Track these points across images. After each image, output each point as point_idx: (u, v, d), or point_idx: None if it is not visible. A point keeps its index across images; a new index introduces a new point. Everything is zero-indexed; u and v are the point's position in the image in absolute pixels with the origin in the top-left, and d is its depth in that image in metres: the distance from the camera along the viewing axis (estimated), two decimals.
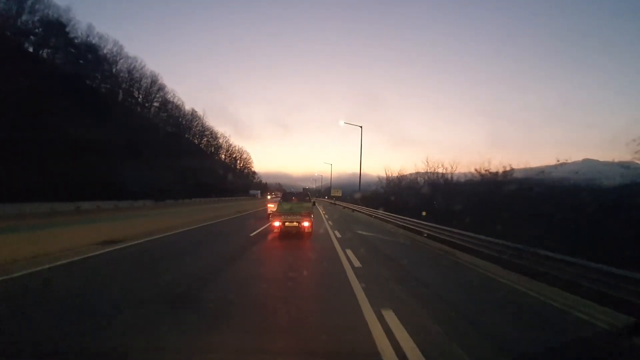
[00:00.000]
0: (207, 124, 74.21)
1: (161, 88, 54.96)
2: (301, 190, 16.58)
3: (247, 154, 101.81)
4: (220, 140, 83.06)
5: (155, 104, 55.66)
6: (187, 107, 65.20)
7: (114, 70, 45.32)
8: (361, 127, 29.66)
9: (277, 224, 11.37)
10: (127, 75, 47.94)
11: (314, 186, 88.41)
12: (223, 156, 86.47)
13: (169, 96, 57.89)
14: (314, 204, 13.37)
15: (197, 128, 70.30)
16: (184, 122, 64.35)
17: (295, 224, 11.28)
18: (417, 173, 29.69)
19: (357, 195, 33.34)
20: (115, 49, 44.56)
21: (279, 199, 14.57)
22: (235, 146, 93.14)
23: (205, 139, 75.00)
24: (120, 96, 46.64)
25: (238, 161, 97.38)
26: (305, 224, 11.19)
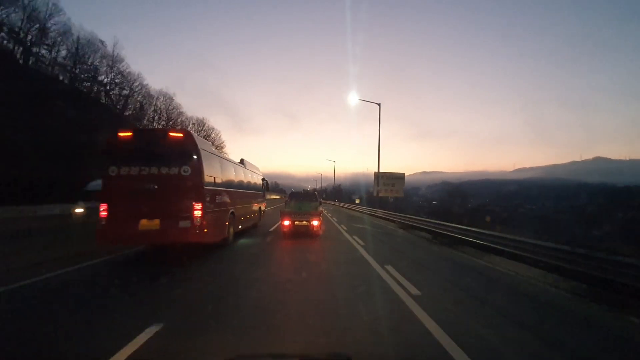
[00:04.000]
0: (129, 70, 39.95)
1: None
2: (301, 191, 16.81)
3: (215, 132, 55.66)
4: (159, 102, 45.39)
5: None
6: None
7: None
8: None
9: (287, 222, 11.31)
10: None
11: (318, 186, 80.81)
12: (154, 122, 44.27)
13: None
14: (320, 203, 13.68)
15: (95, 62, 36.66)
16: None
17: (304, 222, 11.44)
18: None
19: None
20: None
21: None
22: (185, 113, 50.09)
23: (110, 88, 38.98)
24: None
25: None
26: (315, 222, 11.40)
